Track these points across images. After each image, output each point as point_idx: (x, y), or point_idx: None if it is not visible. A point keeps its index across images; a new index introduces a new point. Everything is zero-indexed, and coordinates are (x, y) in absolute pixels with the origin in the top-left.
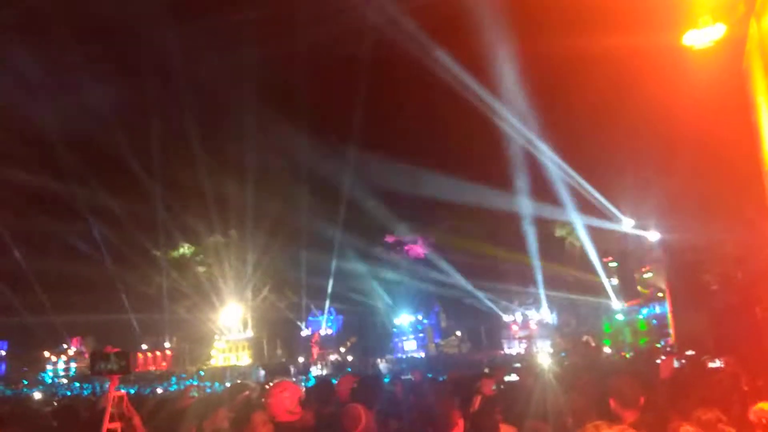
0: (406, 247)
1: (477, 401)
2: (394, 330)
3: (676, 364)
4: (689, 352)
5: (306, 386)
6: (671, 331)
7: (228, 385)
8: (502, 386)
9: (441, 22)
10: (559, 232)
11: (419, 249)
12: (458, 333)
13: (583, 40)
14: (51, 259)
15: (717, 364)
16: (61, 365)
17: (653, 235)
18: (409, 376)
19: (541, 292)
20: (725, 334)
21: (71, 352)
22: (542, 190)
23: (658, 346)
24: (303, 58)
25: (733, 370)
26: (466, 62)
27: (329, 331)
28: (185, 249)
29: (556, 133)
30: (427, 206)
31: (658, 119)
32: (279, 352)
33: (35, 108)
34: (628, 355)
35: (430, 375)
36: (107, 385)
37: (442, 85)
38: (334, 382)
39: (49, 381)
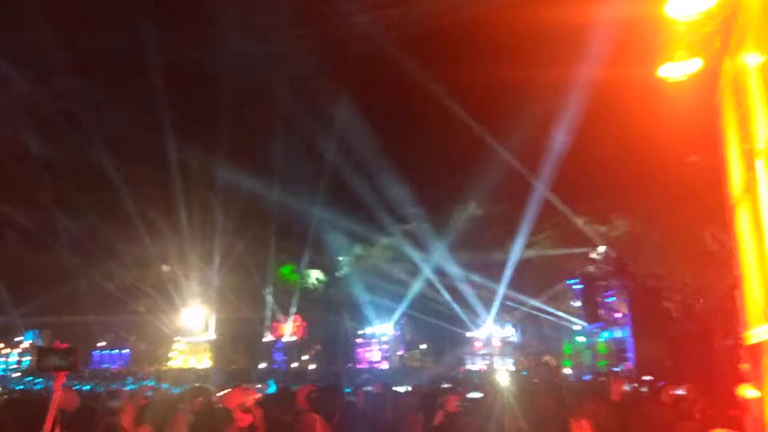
0: None
1: (440, 416)
2: (359, 340)
3: (627, 387)
4: (646, 377)
5: (266, 393)
6: (631, 355)
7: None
8: (465, 403)
9: (424, 48)
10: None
11: None
12: (422, 346)
13: (560, 68)
14: (9, 248)
15: (681, 392)
16: (13, 358)
17: (617, 259)
18: (371, 387)
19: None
20: (683, 362)
21: (26, 345)
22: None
23: (616, 369)
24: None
25: (692, 397)
26: (447, 88)
27: (293, 338)
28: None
29: (529, 156)
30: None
31: (630, 147)
32: (241, 356)
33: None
34: (586, 378)
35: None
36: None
37: (424, 109)
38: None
39: (1, 373)
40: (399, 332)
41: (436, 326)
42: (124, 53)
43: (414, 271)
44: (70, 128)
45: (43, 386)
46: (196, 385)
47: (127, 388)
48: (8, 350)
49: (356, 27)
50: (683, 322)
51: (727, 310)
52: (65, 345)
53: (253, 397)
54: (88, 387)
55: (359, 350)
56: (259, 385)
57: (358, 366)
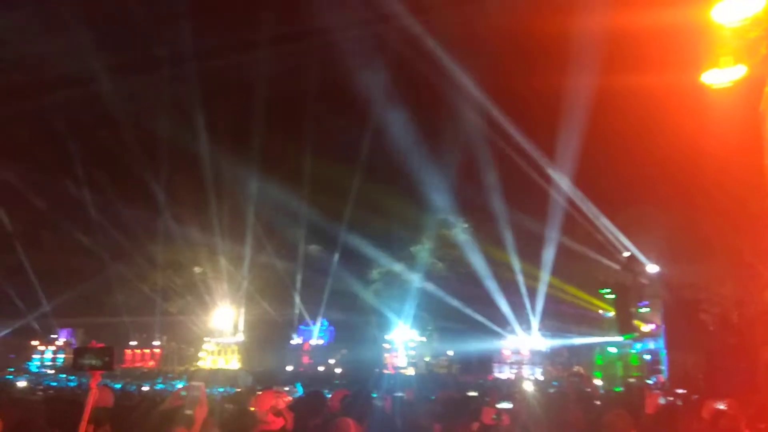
0: None
1: (475, 427)
2: (386, 345)
3: (662, 400)
4: (680, 390)
5: (294, 396)
6: (664, 367)
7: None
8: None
9: (471, 53)
10: None
11: None
12: (449, 353)
13: (607, 77)
14: (47, 249)
15: (720, 406)
16: (48, 355)
17: (652, 269)
18: (400, 393)
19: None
20: (720, 375)
21: (60, 342)
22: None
23: (649, 382)
24: None
25: (734, 413)
26: (492, 97)
27: (320, 342)
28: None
29: (569, 164)
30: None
31: (671, 155)
32: (268, 358)
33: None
34: (617, 389)
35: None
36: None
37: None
38: (325, 393)
39: (35, 370)
40: (426, 338)
41: (465, 333)
42: (161, 61)
43: (443, 276)
44: (109, 134)
45: (76, 383)
46: (236, 390)
47: (157, 387)
48: (43, 347)
49: None
50: (721, 334)
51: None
52: (101, 345)
53: (284, 400)
54: (119, 385)
55: (386, 355)
56: (287, 388)
57: (384, 371)
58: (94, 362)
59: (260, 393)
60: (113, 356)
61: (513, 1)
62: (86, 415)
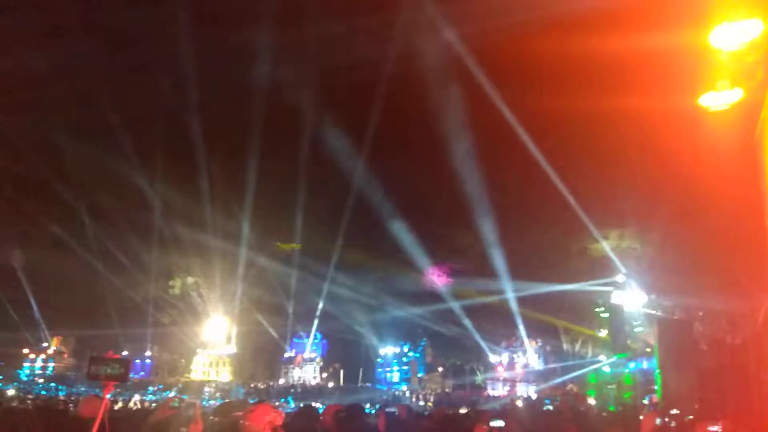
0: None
1: None
2: (379, 360)
3: (658, 421)
4: (674, 411)
5: (287, 411)
6: (658, 387)
7: (212, 402)
8: None
9: (464, 75)
10: None
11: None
12: (440, 369)
13: (605, 100)
14: (39, 256)
15: (714, 428)
16: (38, 364)
17: (647, 290)
18: (393, 409)
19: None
20: (713, 396)
21: (50, 351)
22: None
23: (644, 402)
24: None
25: None
26: (489, 117)
27: (313, 355)
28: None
29: (565, 186)
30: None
31: (667, 177)
32: (261, 371)
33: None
34: (612, 409)
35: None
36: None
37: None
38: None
39: (25, 378)
40: (419, 354)
41: (458, 349)
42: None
43: (436, 295)
44: (102, 141)
45: (65, 393)
46: (225, 400)
47: (148, 398)
48: (34, 356)
49: None
50: (714, 354)
51: (762, 344)
52: (117, 355)
53: (281, 416)
54: (109, 396)
55: (379, 370)
56: (278, 402)
57: (377, 386)
58: (110, 372)
59: (255, 406)
60: (129, 368)
61: (508, 24)
62: (96, 423)
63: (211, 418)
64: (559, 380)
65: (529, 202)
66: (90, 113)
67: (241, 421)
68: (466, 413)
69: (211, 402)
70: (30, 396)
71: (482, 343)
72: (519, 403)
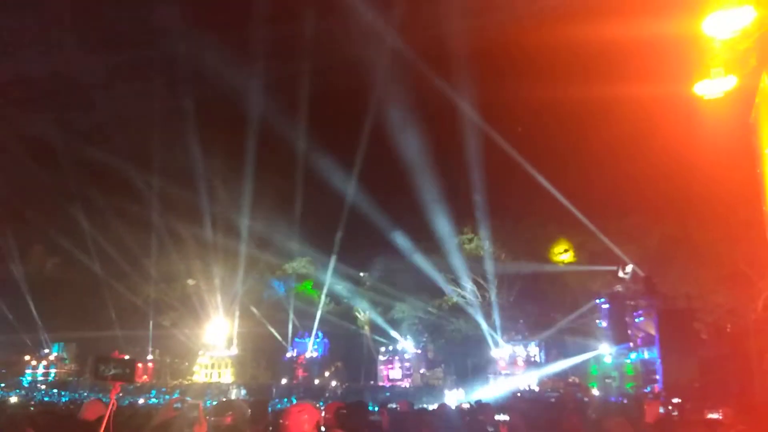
0: None
1: None
2: (380, 357)
3: (661, 410)
4: (676, 400)
5: None
6: (659, 377)
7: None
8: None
9: (460, 64)
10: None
11: None
12: (443, 365)
13: (600, 88)
14: (39, 264)
15: (716, 415)
16: (40, 370)
17: (647, 279)
18: (393, 405)
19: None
20: (715, 384)
21: (52, 357)
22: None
23: (646, 391)
24: None
25: (729, 422)
26: (485, 108)
27: (315, 354)
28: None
29: (561, 174)
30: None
31: (664, 165)
32: (263, 371)
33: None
34: (613, 398)
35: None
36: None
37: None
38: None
39: (27, 385)
40: (421, 350)
41: (459, 344)
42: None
43: (436, 289)
44: (102, 145)
45: (68, 399)
46: (222, 399)
47: (151, 401)
48: (35, 362)
49: None
50: (714, 343)
51: (763, 331)
52: (123, 356)
53: (320, 415)
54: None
55: (381, 367)
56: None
57: (380, 383)
58: (115, 372)
59: (295, 406)
60: (135, 369)
61: (505, 14)
62: (102, 426)
63: (207, 417)
64: (560, 370)
65: (522, 196)
66: (88, 115)
67: (281, 421)
68: (468, 407)
69: (214, 403)
70: (33, 402)
71: (486, 337)
72: (522, 395)
